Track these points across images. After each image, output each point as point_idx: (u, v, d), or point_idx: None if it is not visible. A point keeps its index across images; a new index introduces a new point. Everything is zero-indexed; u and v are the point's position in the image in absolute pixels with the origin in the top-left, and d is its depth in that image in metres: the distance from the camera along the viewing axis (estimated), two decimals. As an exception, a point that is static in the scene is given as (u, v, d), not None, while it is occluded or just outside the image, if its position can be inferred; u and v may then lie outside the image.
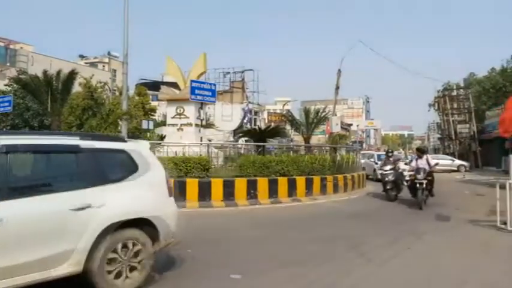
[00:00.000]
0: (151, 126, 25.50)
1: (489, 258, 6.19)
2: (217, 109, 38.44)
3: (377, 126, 73.50)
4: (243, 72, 44.22)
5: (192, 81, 14.41)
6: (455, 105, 45.37)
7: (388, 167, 12.74)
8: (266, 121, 46.54)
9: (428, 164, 11.44)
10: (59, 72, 15.68)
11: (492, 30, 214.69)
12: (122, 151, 4.65)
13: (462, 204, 11.95)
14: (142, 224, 4.46)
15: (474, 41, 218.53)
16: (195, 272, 5.29)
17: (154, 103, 33.59)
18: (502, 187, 8.15)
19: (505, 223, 7.95)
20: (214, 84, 16.52)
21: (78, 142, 4.22)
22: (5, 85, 24.26)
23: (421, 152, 12.18)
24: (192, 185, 10.92)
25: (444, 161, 31.73)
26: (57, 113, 15.47)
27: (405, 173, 12.74)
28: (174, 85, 16.52)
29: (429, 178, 11.22)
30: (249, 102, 43.77)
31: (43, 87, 15.22)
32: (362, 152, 31.65)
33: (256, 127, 26.97)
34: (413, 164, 11.72)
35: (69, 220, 3.89)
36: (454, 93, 47.42)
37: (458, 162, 31.14)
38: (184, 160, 11.22)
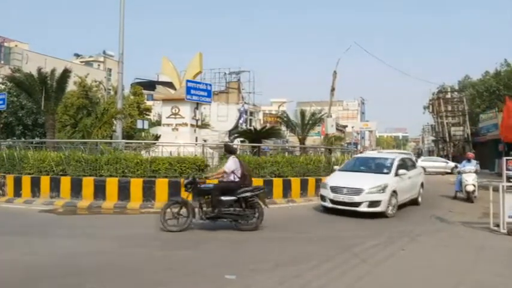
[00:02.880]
0: (146, 126, 25.40)
1: (483, 259, 6.23)
2: (213, 109, 38.38)
3: (372, 128, 73.72)
4: (238, 73, 44.23)
5: (187, 81, 14.34)
6: (449, 108, 45.77)
7: None
8: (261, 122, 46.51)
9: (242, 168, 8.05)
10: (53, 71, 15.54)
11: (488, 33, 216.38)
12: None
13: (455, 206, 12.00)
14: None
15: (469, 44, 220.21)
16: (190, 273, 5.27)
17: (149, 103, 33.46)
18: (495, 189, 8.22)
19: (498, 225, 8.02)
20: (210, 85, 16.44)
21: None
22: (-1, 83, 24.06)
23: (227, 151, 8.61)
24: (187, 185, 10.88)
25: (438, 163, 31.96)
26: (52, 112, 15.33)
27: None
28: (170, 85, 16.41)
29: (212, 188, 7.85)
30: (245, 103, 43.73)
31: (37, 85, 15.06)
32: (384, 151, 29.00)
33: (252, 128, 26.91)
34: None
35: None
36: (449, 95, 47.81)
37: (452, 164, 31.30)
38: (179, 160, 11.20)
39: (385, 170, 10.68)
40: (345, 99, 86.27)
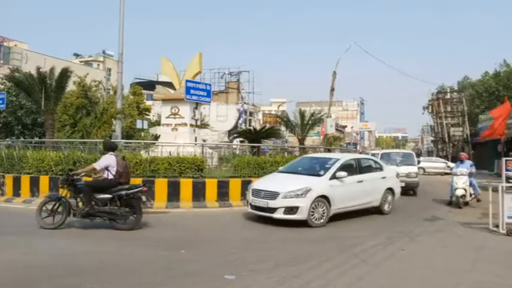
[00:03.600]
0: (145, 126, 25.42)
1: (482, 260, 6.23)
2: (213, 109, 38.46)
3: (371, 128, 73.74)
4: (238, 74, 44.29)
5: (187, 81, 14.33)
6: (449, 109, 45.85)
7: None
8: (261, 122, 46.59)
9: (119, 165, 7.81)
10: (52, 69, 15.49)
11: (488, 34, 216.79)
12: None
13: (455, 206, 11.99)
14: None
15: (469, 44, 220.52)
16: (190, 273, 5.27)
17: (149, 102, 33.52)
18: (495, 190, 8.22)
19: (497, 226, 8.02)
20: (210, 85, 16.44)
21: None
22: (-2, 83, 24.05)
23: (106, 147, 8.27)
24: (186, 186, 10.87)
25: (437, 164, 31.98)
26: (51, 112, 15.30)
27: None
28: (169, 85, 16.41)
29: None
30: (244, 103, 43.77)
31: (36, 85, 15.02)
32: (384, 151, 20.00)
33: (251, 128, 26.94)
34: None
35: None
36: (448, 96, 47.88)
37: (451, 165, 31.37)
38: (178, 160, 11.18)
39: (321, 172, 9.17)
40: (344, 99, 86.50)
